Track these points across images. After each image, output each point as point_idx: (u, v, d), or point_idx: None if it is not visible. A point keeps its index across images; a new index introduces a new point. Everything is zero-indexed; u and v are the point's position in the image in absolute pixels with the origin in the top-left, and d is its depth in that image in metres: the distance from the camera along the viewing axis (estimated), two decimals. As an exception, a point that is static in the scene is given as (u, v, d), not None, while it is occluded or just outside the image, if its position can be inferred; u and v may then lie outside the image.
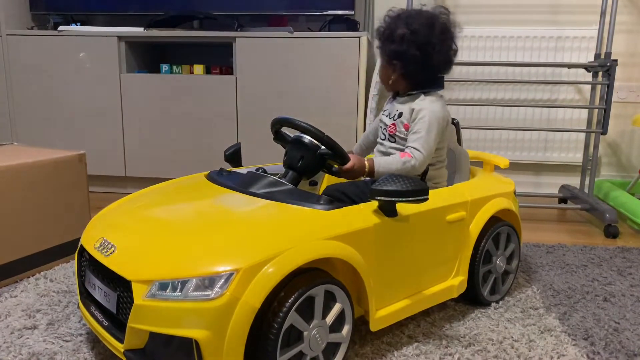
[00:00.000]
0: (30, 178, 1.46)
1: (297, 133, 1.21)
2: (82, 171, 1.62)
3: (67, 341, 1.12)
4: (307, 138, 1.18)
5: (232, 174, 1.26)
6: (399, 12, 1.28)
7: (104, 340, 0.96)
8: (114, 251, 0.96)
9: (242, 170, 1.29)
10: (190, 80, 2.35)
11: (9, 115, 2.46)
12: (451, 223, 1.21)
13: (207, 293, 0.84)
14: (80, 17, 2.60)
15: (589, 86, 2.29)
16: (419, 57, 1.22)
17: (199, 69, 2.35)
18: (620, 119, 2.51)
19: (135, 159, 2.42)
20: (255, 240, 0.93)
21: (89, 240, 1.05)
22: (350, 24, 2.36)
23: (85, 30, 2.41)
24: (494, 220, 1.33)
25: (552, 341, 1.17)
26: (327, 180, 1.40)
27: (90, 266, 1.03)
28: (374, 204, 1.07)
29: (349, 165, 1.18)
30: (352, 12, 2.34)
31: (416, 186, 1.02)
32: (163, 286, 0.86)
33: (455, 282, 1.26)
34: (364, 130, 2.25)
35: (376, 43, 1.32)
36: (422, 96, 1.26)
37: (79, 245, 1.09)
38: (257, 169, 1.26)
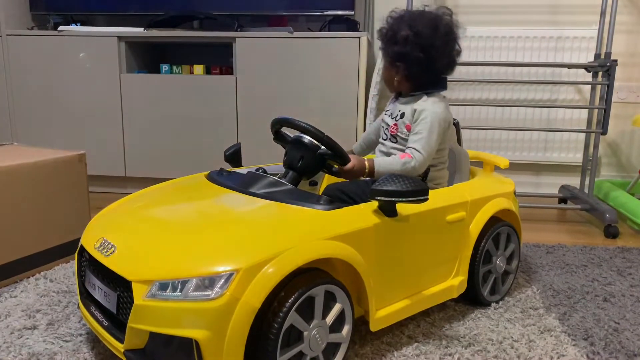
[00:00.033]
0: (30, 178, 1.46)
1: (297, 133, 1.21)
2: (82, 171, 1.62)
3: (67, 341, 1.12)
4: (307, 138, 1.18)
5: (232, 174, 1.26)
6: (402, 13, 1.28)
7: (104, 341, 0.96)
8: (114, 251, 0.96)
9: (242, 170, 1.29)
10: (190, 80, 2.35)
11: (9, 115, 2.46)
12: (451, 223, 1.21)
13: (207, 293, 0.84)
14: (80, 17, 2.60)
15: (589, 86, 2.29)
16: (423, 59, 1.22)
17: (199, 69, 2.35)
18: (620, 119, 2.51)
19: (135, 159, 2.42)
20: (256, 240, 0.93)
21: (89, 241, 1.05)
22: (350, 24, 2.36)
23: (85, 30, 2.41)
24: (494, 221, 1.33)
25: (552, 341, 1.17)
26: (327, 181, 1.41)
27: (90, 266, 1.03)
28: (374, 204, 1.07)
29: (349, 165, 1.18)
30: (352, 12, 2.34)
31: (416, 186, 1.02)
32: (163, 286, 0.86)
33: (455, 282, 1.26)
34: (364, 130, 2.25)
35: (379, 44, 1.32)
36: (425, 97, 1.26)
37: (79, 245, 1.09)
38: (257, 169, 1.26)
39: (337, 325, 1.00)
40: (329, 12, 2.36)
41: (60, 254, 1.56)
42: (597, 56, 2.21)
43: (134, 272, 0.90)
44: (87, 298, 1.06)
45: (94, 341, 1.12)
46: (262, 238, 0.93)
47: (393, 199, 1.01)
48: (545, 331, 1.21)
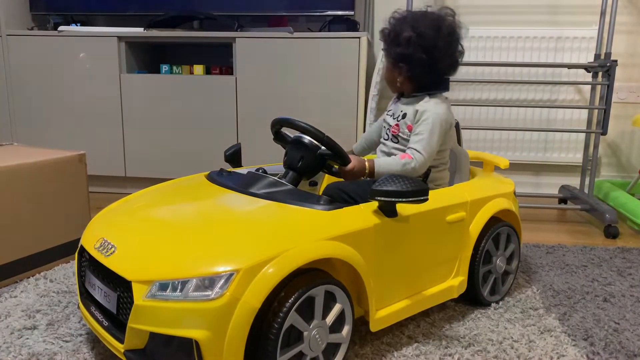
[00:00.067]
0: (30, 178, 1.46)
1: (297, 133, 1.21)
2: (82, 171, 1.62)
3: (67, 341, 1.12)
4: (307, 138, 1.18)
5: (232, 174, 1.26)
6: (405, 14, 1.27)
7: (104, 341, 0.96)
8: (114, 251, 0.96)
9: (242, 170, 1.29)
10: (190, 80, 2.35)
11: (9, 115, 2.46)
12: (451, 223, 1.21)
13: (207, 293, 0.84)
14: (80, 18, 2.60)
15: (589, 86, 2.29)
16: (425, 60, 1.22)
17: (199, 69, 2.35)
18: (620, 119, 2.51)
19: (135, 159, 2.42)
20: (256, 240, 0.93)
21: (89, 241, 1.05)
22: (350, 25, 2.36)
23: (86, 30, 2.41)
24: (494, 221, 1.33)
25: (552, 341, 1.17)
26: (327, 181, 1.41)
27: (90, 266, 1.03)
28: (374, 204, 1.07)
29: (349, 166, 1.18)
30: (352, 13, 2.34)
31: (416, 186, 1.02)
32: (163, 286, 0.86)
33: (455, 282, 1.26)
34: (364, 130, 2.25)
35: (379, 44, 1.32)
36: (427, 98, 1.26)
37: (79, 245, 1.09)
38: (257, 170, 1.26)
39: (337, 326, 1.00)
40: (329, 13, 2.36)
41: (60, 254, 1.56)
42: (597, 56, 2.21)
43: (134, 272, 0.90)
44: (87, 298, 1.06)
45: (94, 341, 1.12)
46: (262, 238, 0.93)
47: (393, 199, 1.01)
48: (545, 331, 1.21)
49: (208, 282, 0.85)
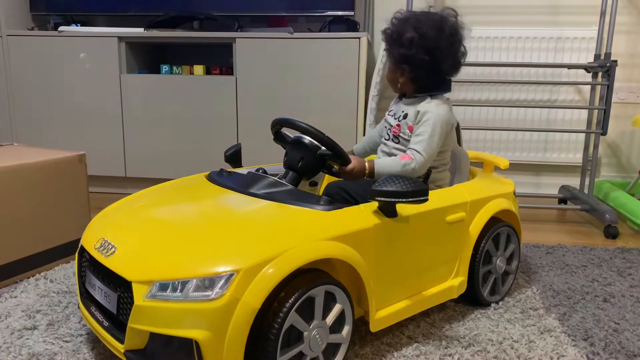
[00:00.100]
0: (30, 178, 1.46)
1: (297, 134, 1.21)
2: (82, 172, 1.62)
3: (67, 342, 1.12)
4: (307, 139, 1.18)
5: (232, 174, 1.26)
6: (407, 14, 1.27)
7: (104, 341, 0.96)
8: (114, 252, 0.96)
9: (243, 170, 1.29)
10: (191, 80, 2.35)
11: (9, 115, 2.46)
12: (451, 224, 1.21)
13: (207, 293, 0.84)
14: (80, 18, 2.60)
15: (589, 87, 2.29)
16: (428, 61, 1.21)
17: (199, 69, 2.35)
18: (620, 119, 2.51)
19: (135, 159, 2.42)
20: (256, 240, 0.93)
21: (90, 241, 1.05)
22: (350, 25, 2.36)
23: (86, 30, 2.41)
24: (494, 221, 1.33)
25: (552, 342, 1.17)
26: (326, 181, 1.41)
27: (90, 267, 1.03)
28: (374, 204, 1.07)
29: (349, 166, 1.18)
30: (352, 13, 2.34)
31: (416, 187, 1.02)
32: (163, 287, 0.86)
33: (455, 282, 1.26)
34: (364, 130, 2.25)
35: (378, 44, 1.32)
36: (429, 99, 1.26)
37: (79, 245, 1.09)
38: (258, 170, 1.26)
39: (337, 326, 1.00)
40: (329, 13, 2.36)
41: (61, 255, 1.56)
42: (597, 57, 2.21)
43: (134, 273, 0.90)
44: (87, 298, 1.06)
45: (94, 341, 1.12)
46: (262, 238, 0.94)
47: (393, 200, 1.01)
48: (545, 332, 1.21)
49: (208, 283, 0.85)
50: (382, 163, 1.21)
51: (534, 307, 1.34)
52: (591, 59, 2.29)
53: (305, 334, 0.94)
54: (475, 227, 1.28)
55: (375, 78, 2.24)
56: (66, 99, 2.40)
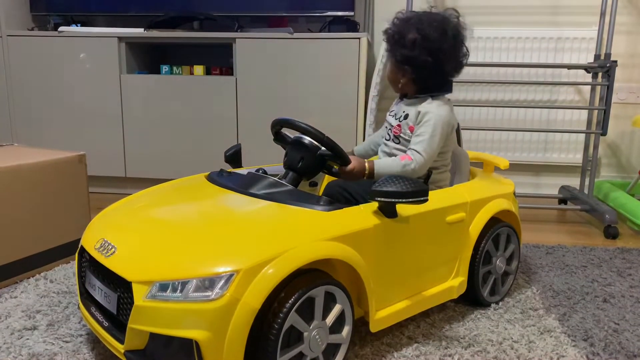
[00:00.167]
0: (31, 179, 1.46)
1: (297, 134, 1.21)
2: (82, 172, 1.62)
3: (67, 342, 1.12)
4: (307, 139, 1.18)
5: (232, 174, 1.26)
6: (409, 15, 1.27)
7: (104, 341, 0.96)
8: (114, 252, 0.96)
9: (243, 171, 1.30)
10: (191, 81, 2.35)
11: (9, 115, 2.46)
12: (451, 224, 1.21)
13: (207, 294, 0.84)
14: (80, 18, 2.60)
15: (589, 87, 2.30)
16: (431, 62, 1.21)
17: (199, 69, 2.35)
18: (620, 119, 2.51)
19: (135, 159, 2.42)
20: (256, 241, 0.93)
21: (90, 241, 1.05)
22: (350, 25, 2.36)
23: (86, 31, 2.41)
24: (494, 221, 1.33)
25: (552, 342, 1.17)
26: (326, 181, 1.40)
27: (90, 267, 1.03)
28: (374, 205, 1.07)
29: (349, 167, 1.18)
30: (352, 13, 2.34)
31: (416, 187, 1.02)
32: (163, 287, 0.86)
33: (455, 283, 1.26)
34: (364, 130, 2.25)
35: (379, 45, 1.32)
36: (430, 99, 1.26)
37: (79, 246, 1.09)
38: (257, 170, 1.26)
39: (337, 326, 1.00)
40: (329, 13, 2.36)
41: (61, 255, 1.56)
42: (597, 57, 2.21)
43: (134, 273, 0.90)
44: (87, 299, 1.06)
45: (94, 342, 1.12)
46: (262, 239, 0.94)
47: (393, 200, 1.01)
48: (545, 332, 1.22)
49: (208, 283, 0.85)
50: (382, 163, 1.21)
51: (533, 307, 1.34)
52: (591, 59, 2.29)
53: (305, 334, 0.94)
54: (475, 227, 1.28)
55: (375, 78, 2.24)
56: (66, 99, 2.40)
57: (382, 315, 1.09)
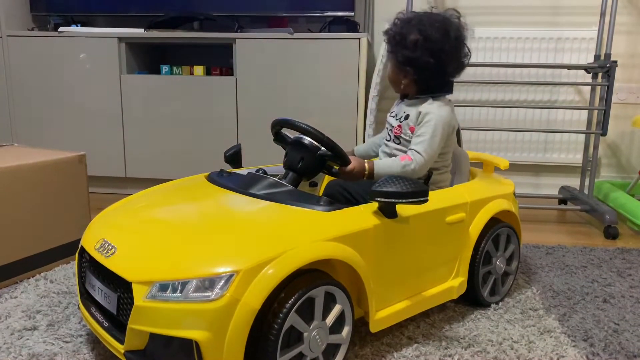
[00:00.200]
0: (31, 179, 1.46)
1: (297, 134, 1.21)
2: (82, 172, 1.62)
3: (67, 342, 1.12)
4: (307, 139, 1.19)
5: (232, 175, 1.26)
6: (410, 15, 1.26)
7: (104, 341, 0.96)
8: (114, 252, 0.96)
9: (243, 171, 1.30)
10: (191, 81, 2.35)
11: (9, 115, 2.46)
12: (451, 224, 1.21)
13: (207, 294, 0.84)
14: (80, 18, 2.60)
15: (589, 87, 2.30)
16: (433, 63, 1.21)
17: (199, 70, 2.35)
18: (620, 120, 2.51)
19: (135, 160, 2.42)
20: (256, 241, 0.93)
21: (90, 241, 1.05)
22: (350, 25, 2.36)
23: (86, 31, 2.41)
24: (494, 222, 1.33)
25: (552, 342, 1.17)
26: (326, 182, 1.40)
27: (90, 267, 1.03)
28: (374, 205, 1.07)
29: (349, 167, 1.18)
30: (352, 13, 2.34)
31: (416, 187, 1.02)
32: (163, 287, 0.86)
33: (455, 283, 1.26)
34: (364, 131, 2.25)
35: (379, 45, 1.32)
36: (431, 100, 1.26)
37: (80, 246, 1.09)
38: (258, 170, 1.26)
39: (337, 326, 1.00)
40: (329, 13, 2.36)
41: (61, 255, 1.56)
42: (597, 57, 2.21)
43: (134, 273, 0.90)
44: (87, 299, 1.06)
45: (94, 342, 1.12)
46: (262, 239, 0.94)
47: (393, 200, 1.01)
48: (545, 332, 1.22)
49: (208, 283, 0.85)
50: (382, 164, 1.21)
51: (533, 307, 1.34)
52: (591, 60, 2.29)
53: (305, 334, 0.94)
54: (475, 227, 1.28)
55: (375, 79, 2.24)
56: (66, 100, 2.40)
57: (382, 316, 1.09)
